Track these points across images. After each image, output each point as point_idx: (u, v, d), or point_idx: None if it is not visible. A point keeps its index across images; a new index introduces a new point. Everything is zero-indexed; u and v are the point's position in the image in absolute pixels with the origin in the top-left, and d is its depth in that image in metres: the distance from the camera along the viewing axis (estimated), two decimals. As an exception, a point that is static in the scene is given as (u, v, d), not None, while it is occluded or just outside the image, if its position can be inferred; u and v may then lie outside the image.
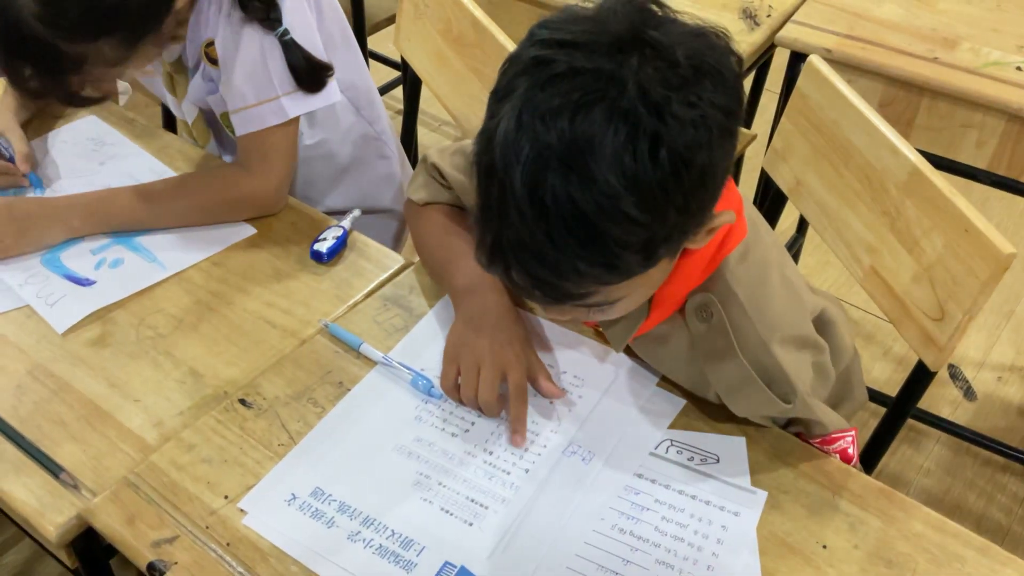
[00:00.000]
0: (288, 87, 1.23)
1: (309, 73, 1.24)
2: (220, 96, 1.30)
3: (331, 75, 1.27)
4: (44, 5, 1.01)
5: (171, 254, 1.21)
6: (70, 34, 1.04)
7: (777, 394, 0.92)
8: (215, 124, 1.41)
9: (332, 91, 1.28)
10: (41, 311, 1.12)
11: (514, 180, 0.72)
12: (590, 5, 0.76)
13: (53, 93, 1.15)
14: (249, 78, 1.22)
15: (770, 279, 0.94)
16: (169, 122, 2.09)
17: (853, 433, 1.00)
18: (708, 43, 0.75)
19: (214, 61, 1.26)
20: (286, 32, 1.20)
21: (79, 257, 1.20)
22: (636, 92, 0.69)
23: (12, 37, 1.02)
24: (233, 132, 1.30)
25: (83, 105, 1.37)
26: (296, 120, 1.28)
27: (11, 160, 1.31)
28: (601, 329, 1.04)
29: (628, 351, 1.05)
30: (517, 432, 0.98)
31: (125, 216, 1.23)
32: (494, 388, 0.98)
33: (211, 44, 1.24)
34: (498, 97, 0.75)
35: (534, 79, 0.72)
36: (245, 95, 1.23)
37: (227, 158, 1.47)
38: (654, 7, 0.76)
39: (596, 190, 0.70)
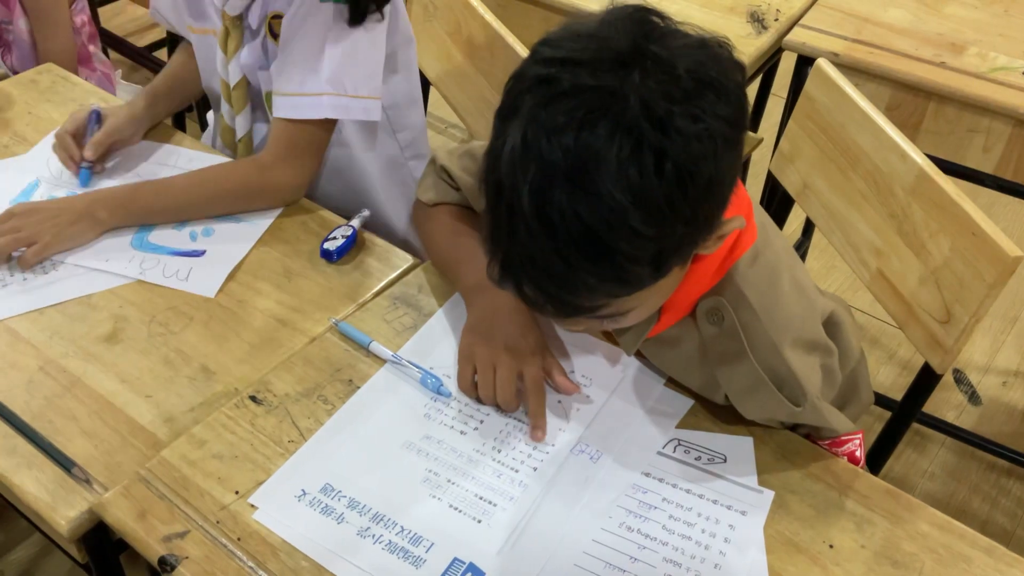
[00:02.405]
0: (335, 88, 1.23)
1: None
2: (269, 73, 1.30)
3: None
4: None
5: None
6: None
7: (787, 397, 0.93)
8: (256, 96, 1.39)
9: (374, 108, 1.28)
10: (178, 287, 1.17)
11: (521, 198, 0.72)
12: (595, 8, 0.77)
13: None
14: (302, 66, 1.22)
15: (781, 282, 0.94)
16: (178, 121, 2.10)
17: (860, 435, 1.00)
18: (710, 54, 0.75)
19: (276, 36, 1.26)
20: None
21: (170, 237, 1.23)
22: (639, 107, 0.70)
23: None
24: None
25: None
26: (332, 123, 1.29)
27: (87, 136, 1.32)
28: (613, 333, 1.04)
29: (636, 353, 1.06)
30: (538, 427, 0.98)
31: (148, 205, 1.24)
32: (511, 384, 0.99)
33: (277, 16, 1.25)
34: (503, 116, 0.76)
35: (538, 98, 0.72)
36: (292, 80, 1.24)
37: (260, 126, 1.44)
38: (655, 19, 0.76)
39: (602, 206, 0.70)
